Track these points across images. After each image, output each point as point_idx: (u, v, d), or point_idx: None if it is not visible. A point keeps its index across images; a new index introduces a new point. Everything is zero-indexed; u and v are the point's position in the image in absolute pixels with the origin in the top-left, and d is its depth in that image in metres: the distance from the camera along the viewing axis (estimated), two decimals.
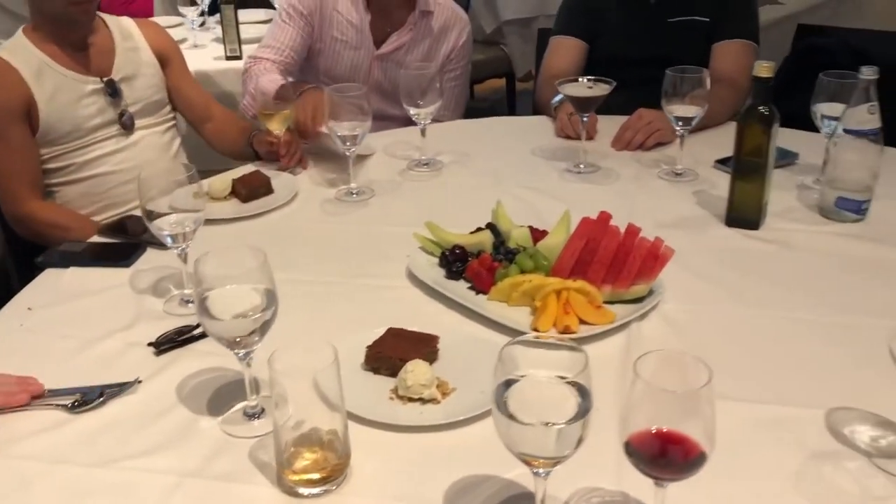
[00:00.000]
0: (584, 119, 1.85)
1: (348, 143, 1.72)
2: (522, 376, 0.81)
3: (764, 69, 1.47)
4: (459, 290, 1.37)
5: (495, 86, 4.90)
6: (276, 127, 1.87)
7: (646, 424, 0.80)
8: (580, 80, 1.87)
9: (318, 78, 2.35)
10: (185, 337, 1.26)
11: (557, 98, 2.08)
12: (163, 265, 1.49)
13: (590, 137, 2.00)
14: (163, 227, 1.30)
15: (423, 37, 2.32)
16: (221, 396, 1.13)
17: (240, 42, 3.03)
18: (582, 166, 1.87)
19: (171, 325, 1.29)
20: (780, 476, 0.97)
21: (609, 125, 2.04)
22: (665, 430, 0.80)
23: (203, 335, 1.25)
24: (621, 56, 2.21)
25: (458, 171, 1.90)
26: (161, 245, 1.52)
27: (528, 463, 0.83)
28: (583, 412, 0.79)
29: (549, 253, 1.38)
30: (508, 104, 4.38)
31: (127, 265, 1.51)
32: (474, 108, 5.02)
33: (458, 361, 1.17)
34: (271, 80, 2.07)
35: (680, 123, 1.76)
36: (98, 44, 2.00)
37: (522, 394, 0.81)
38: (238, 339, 1.01)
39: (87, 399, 1.11)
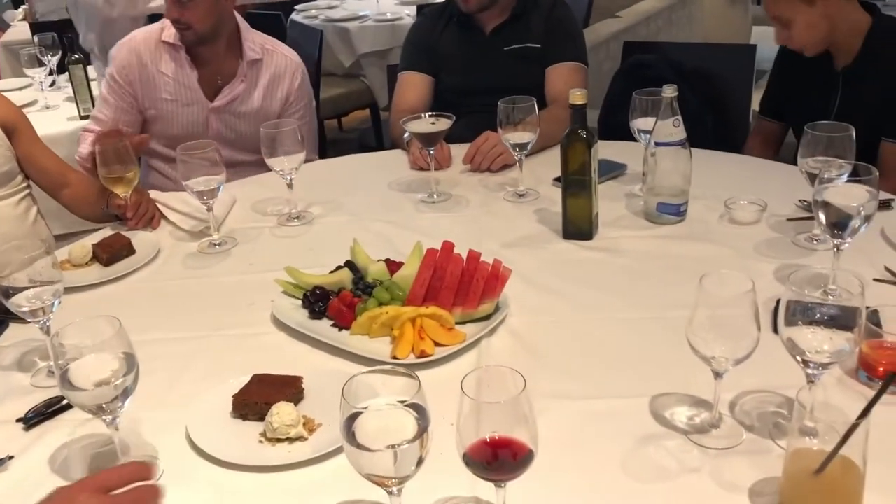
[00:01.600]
0: (431, 152, 1.97)
1: (206, 198, 1.77)
2: (365, 408, 0.91)
3: (578, 97, 1.63)
4: (323, 329, 1.45)
5: (361, 116, 5.02)
6: (122, 190, 1.86)
7: (477, 435, 0.90)
8: (423, 116, 1.99)
9: (159, 140, 2.39)
10: (53, 409, 1.29)
11: (407, 133, 2.19)
12: (27, 338, 1.50)
13: (445, 166, 2.13)
14: (21, 304, 1.31)
15: (256, 85, 2.38)
16: (95, 461, 1.17)
17: (92, 100, 3.00)
18: (435, 196, 1.98)
19: (39, 398, 1.31)
20: (611, 463, 1.10)
21: (460, 152, 2.16)
22: (496, 438, 0.91)
23: (70, 405, 1.28)
24: (464, 87, 2.36)
25: (321, 214, 1.98)
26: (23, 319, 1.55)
27: (380, 484, 0.92)
28: (421, 431, 0.89)
29: (404, 283, 1.48)
30: (375, 133, 4.50)
31: None
32: (343, 140, 5.15)
33: (324, 397, 1.24)
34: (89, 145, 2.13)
35: (517, 149, 1.90)
36: None
37: (367, 423, 0.90)
38: (102, 406, 1.05)
39: None
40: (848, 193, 1.34)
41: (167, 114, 2.36)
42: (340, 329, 1.45)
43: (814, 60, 2.02)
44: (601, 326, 1.42)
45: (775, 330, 1.13)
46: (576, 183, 1.68)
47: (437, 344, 1.36)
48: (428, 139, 1.96)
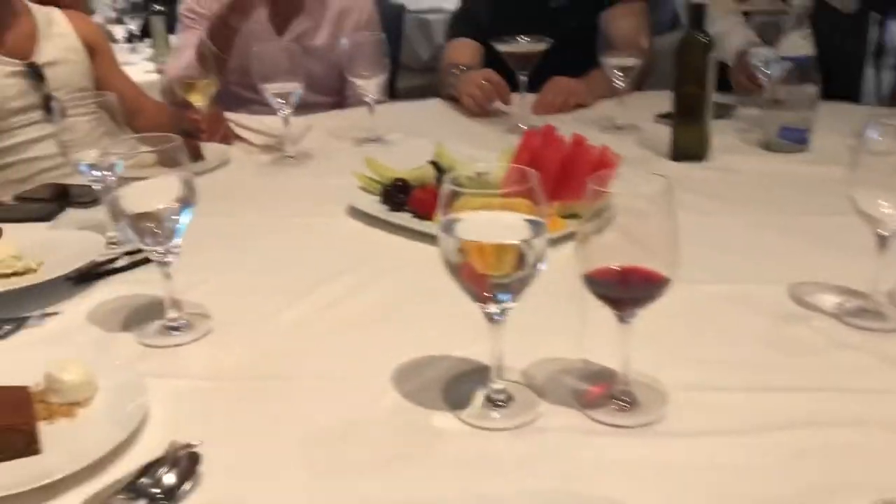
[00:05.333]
0: (524, 78, 1.82)
1: (281, 100, 1.66)
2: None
3: None
4: (403, 219, 1.30)
5: None
6: (198, 99, 1.77)
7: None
8: (518, 39, 1.85)
9: (228, 78, 2.29)
10: (105, 269, 1.16)
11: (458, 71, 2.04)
12: (86, 218, 1.39)
13: (508, 104, 1.95)
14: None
15: (323, 19, 2.27)
16: (139, 314, 1.04)
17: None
18: (521, 125, 1.83)
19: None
20: (751, 338, 0.92)
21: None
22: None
23: (123, 268, 1.16)
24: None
25: (402, 139, 1.84)
26: (83, 203, 1.45)
27: (482, 298, 0.75)
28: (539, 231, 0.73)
29: (496, 181, 1.33)
30: None
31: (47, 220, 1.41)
32: None
33: None
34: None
35: (620, 74, 1.74)
36: (19, 26, 1.93)
37: (471, 222, 0.75)
38: (156, 212, 0.92)
39: None
40: None
41: (238, 49, 2.27)
42: (422, 220, 1.30)
43: None
44: (726, 227, 1.24)
45: None
46: (689, 96, 1.51)
47: None
48: (523, 60, 1.81)
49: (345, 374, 0.89)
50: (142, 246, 0.95)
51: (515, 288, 0.74)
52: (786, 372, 0.86)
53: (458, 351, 0.90)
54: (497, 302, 0.75)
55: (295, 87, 1.65)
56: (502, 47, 1.83)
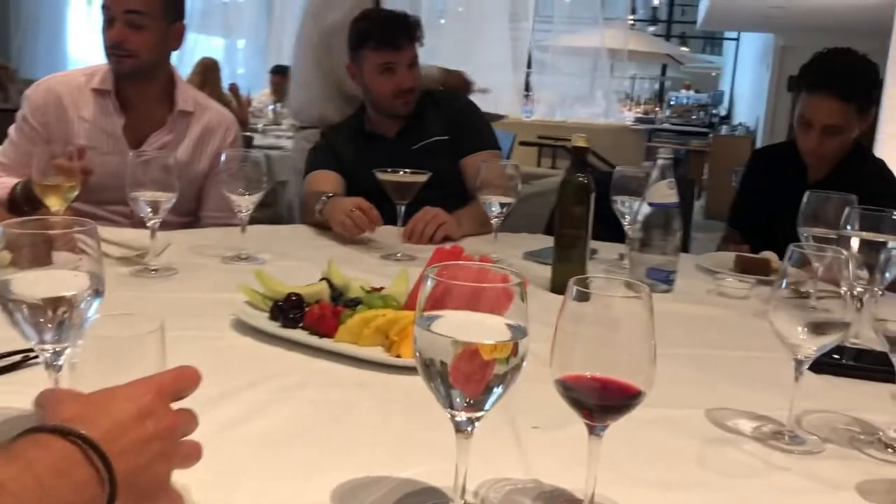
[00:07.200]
0: (402, 209, 1.83)
1: (150, 210, 1.55)
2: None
3: (581, 140, 1.57)
4: (300, 336, 1.22)
5: None
6: (56, 203, 1.62)
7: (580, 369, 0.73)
8: (399, 171, 1.87)
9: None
10: None
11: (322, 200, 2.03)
12: None
13: (379, 226, 1.94)
14: None
15: (185, 137, 2.20)
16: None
17: None
18: (399, 255, 1.83)
19: None
20: (684, 459, 0.92)
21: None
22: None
23: None
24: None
25: (272, 259, 1.76)
26: None
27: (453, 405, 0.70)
28: (519, 334, 0.70)
29: (396, 294, 1.30)
30: None
31: None
32: None
33: None
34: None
35: (497, 210, 1.80)
36: None
37: (449, 322, 0.71)
38: (69, 298, 0.79)
39: None
40: None
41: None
42: (321, 337, 1.22)
43: (788, 172, 2.07)
44: None
45: None
46: (570, 237, 1.58)
47: None
48: (401, 190, 1.83)
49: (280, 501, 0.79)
50: (33, 344, 0.81)
51: (508, 381, 0.70)
52: (726, 492, 0.86)
53: (400, 472, 0.83)
54: (476, 407, 0.70)
55: (169, 197, 1.55)
56: (384, 176, 1.84)
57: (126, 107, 2.14)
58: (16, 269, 0.78)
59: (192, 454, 0.70)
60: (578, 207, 1.57)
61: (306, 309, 1.26)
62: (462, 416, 0.71)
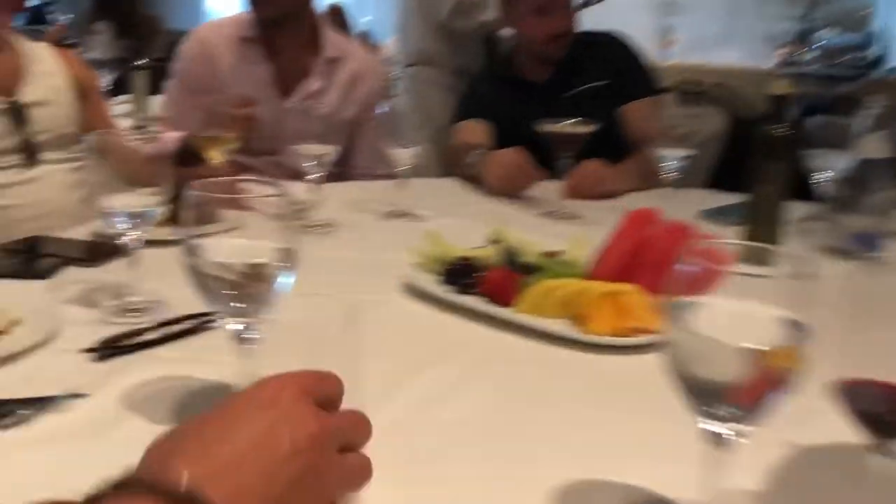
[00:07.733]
0: (565, 158, 1.70)
1: (312, 164, 1.49)
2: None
3: (783, 86, 1.39)
4: (479, 305, 1.12)
5: None
6: (216, 155, 1.59)
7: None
8: (561, 121, 1.74)
9: None
10: (136, 342, 0.95)
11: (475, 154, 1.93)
12: (87, 278, 1.17)
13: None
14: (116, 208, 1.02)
15: (333, 84, 2.13)
16: (195, 400, 0.82)
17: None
18: (559, 212, 1.70)
19: (109, 332, 0.97)
20: None
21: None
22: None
23: (159, 341, 0.95)
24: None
25: (432, 216, 1.66)
26: (82, 261, 1.24)
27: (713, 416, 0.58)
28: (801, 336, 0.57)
29: (574, 261, 1.18)
30: None
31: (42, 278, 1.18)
32: None
33: None
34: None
35: (674, 163, 1.64)
36: (3, 61, 1.72)
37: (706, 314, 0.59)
38: (264, 266, 0.72)
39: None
40: None
41: None
42: (499, 306, 1.12)
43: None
44: None
45: None
46: (767, 196, 1.40)
47: (645, 331, 1.01)
48: (566, 142, 1.69)
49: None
50: (229, 314, 0.74)
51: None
52: None
53: (627, 476, 0.72)
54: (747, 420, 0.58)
55: (330, 150, 1.49)
56: (548, 127, 1.71)
57: (273, 54, 2.09)
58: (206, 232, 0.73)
59: (360, 473, 0.59)
60: (779, 163, 1.40)
61: (481, 274, 1.17)
62: (723, 429, 0.59)
